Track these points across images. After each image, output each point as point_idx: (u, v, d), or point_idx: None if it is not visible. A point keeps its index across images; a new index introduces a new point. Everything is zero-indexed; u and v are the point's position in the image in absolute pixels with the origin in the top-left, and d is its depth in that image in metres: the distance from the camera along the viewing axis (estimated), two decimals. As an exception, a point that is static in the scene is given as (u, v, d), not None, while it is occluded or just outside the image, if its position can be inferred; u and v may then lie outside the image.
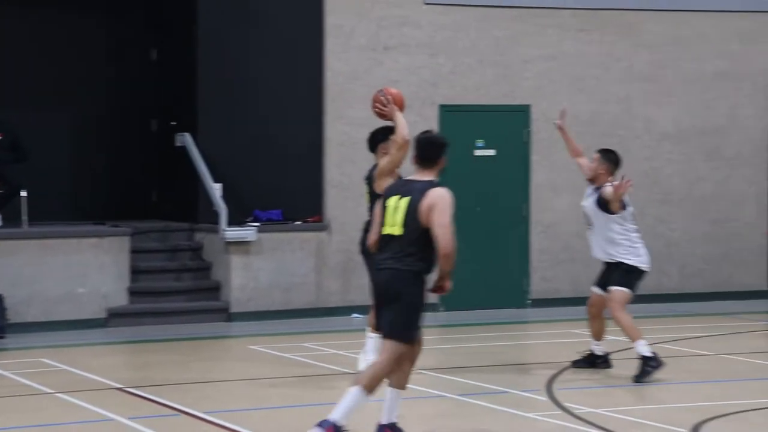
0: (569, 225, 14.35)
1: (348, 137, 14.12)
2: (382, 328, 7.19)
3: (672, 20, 14.97)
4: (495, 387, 9.34)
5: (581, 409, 8.40)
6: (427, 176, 7.23)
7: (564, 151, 14.83)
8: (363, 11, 14.14)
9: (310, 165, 14.08)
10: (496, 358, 10.93)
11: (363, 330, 10.42)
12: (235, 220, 13.60)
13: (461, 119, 14.43)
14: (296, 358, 10.96)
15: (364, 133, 14.20)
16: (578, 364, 9.98)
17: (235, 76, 14.05)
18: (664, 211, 15.03)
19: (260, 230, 13.65)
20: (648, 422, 8.03)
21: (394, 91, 8.22)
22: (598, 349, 10.03)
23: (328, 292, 13.98)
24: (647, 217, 14.95)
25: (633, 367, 9.91)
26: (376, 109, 8.11)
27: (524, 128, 14.70)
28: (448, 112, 14.41)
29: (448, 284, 7.16)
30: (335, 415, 6.99)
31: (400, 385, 7.25)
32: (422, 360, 10.59)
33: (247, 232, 13.55)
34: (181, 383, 9.69)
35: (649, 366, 9.50)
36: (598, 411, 8.39)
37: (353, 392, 7.02)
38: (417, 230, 7.06)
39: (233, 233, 13.48)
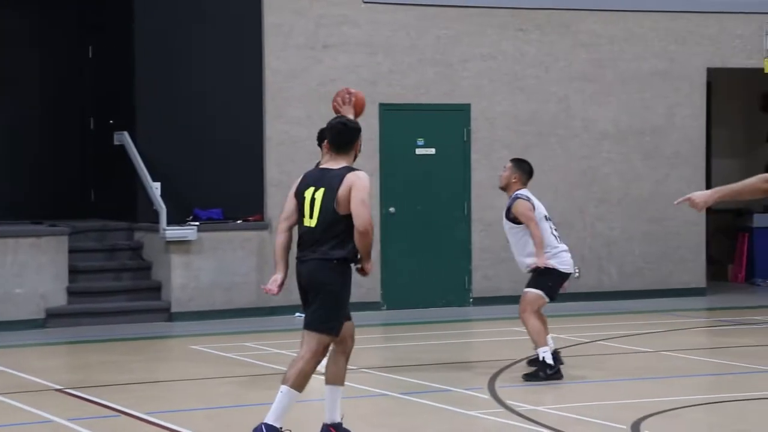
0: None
1: (288, 136, 14.08)
2: (305, 320, 7.00)
3: (610, 20, 15.11)
4: (437, 385, 9.35)
5: (523, 407, 8.44)
6: (342, 163, 6.99)
7: (503, 150, 14.96)
8: (302, 10, 14.10)
9: (251, 163, 14.02)
10: (439, 357, 10.95)
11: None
12: (175, 220, 13.51)
13: (401, 118, 14.45)
14: (238, 357, 10.91)
15: (304, 132, 14.23)
16: (530, 368, 9.77)
17: (173, 75, 13.95)
18: (603, 210, 15.16)
19: (201, 229, 13.57)
20: (589, 419, 8.09)
21: (360, 95, 7.76)
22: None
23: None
24: (586, 216, 15.09)
25: (576, 366, 9.99)
26: (334, 104, 7.72)
27: (464, 127, 14.76)
28: (388, 110, 14.42)
29: (369, 266, 6.93)
30: (269, 418, 6.81)
31: (337, 380, 7.09)
32: (365, 359, 10.64)
33: (188, 232, 13.47)
34: (122, 384, 9.60)
35: (545, 372, 9.39)
36: (540, 408, 8.44)
37: (283, 392, 6.81)
38: (335, 218, 6.84)
39: (173, 232, 13.38)
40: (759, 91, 17.55)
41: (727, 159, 17.22)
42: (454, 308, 14.44)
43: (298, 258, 7.04)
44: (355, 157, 7.12)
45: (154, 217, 13.46)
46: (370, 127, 14.39)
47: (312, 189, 6.99)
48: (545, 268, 9.50)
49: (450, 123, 14.75)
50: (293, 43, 14.08)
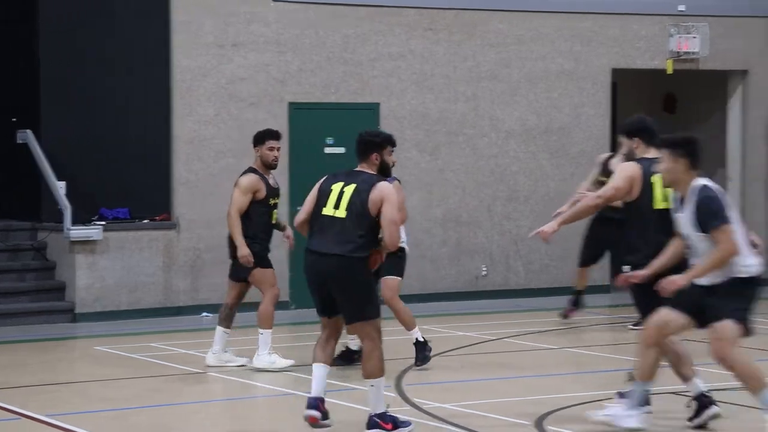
0: (419, 222, 14.49)
1: (197, 134, 13.97)
2: (344, 315, 7.56)
3: (516, 20, 15.25)
4: (344, 384, 9.36)
5: (429, 404, 8.49)
6: (367, 170, 7.63)
7: (413, 149, 15.02)
8: (210, 7, 14.00)
9: (158, 162, 13.88)
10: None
11: (213, 329, 10.33)
12: (80, 219, 13.32)
13: (310, 117, 14.42)
14: (144, 358, 10.79)
15: (213, 131, 14.15)
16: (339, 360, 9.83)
17: (79, 72, 13.75)
18: (511, 208, 15.30)
19: (106, 229, 13.40)
20: (494, 415, 8.16)
21: None
22: (353, 343, 9.98)
23: (176, 291, 13.81)
24: (494, 215, 15.21)
25: (483, 363, 10.07)
26: None
27: (373, 126, 14.77)
28: (297, 109, 14.38)
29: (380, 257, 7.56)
30: (375, 410, 7.45)
31: (329, 360, 7.67)
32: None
33: (93, 231, 13.29)
34: (24, 386, 9.44)
35: (426, 352, 9.83)
36: (446, 406, 8.49)
37: (375, 385, 7.45)
38: (364, 212, 7.39)
39: (78, 232, 13.20)
40: (662, 92, 17.86)
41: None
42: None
43: (315, 251, 7.48)
44: (383, 168, 7.68)
45: (59, 216, 13.26)
46: (279, 126, 14.31)
47: (341, 183, 7.54)
48: (401, 250, 9.70)
49: (359, 122, 14.73)
50: (202, 41, 13.97)
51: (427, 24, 14.89)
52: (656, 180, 7.75)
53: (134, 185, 13.82)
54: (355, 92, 14.60)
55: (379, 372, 7.53)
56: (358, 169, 7.71)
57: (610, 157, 12.26)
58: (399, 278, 9.96)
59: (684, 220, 7.39)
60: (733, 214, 7.35)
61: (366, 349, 7.59)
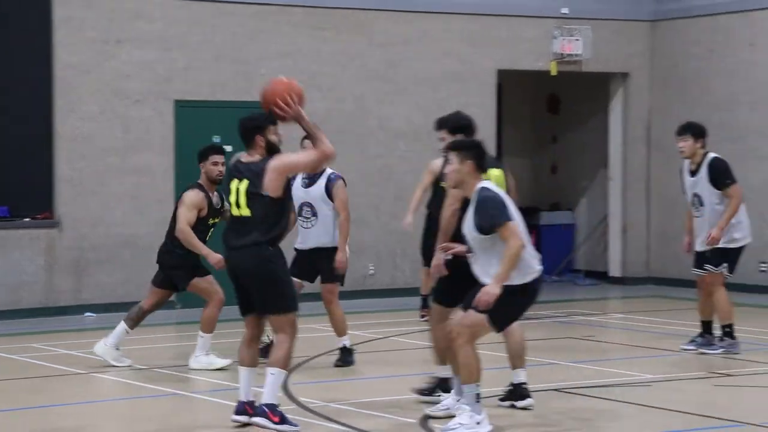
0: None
1: (80, 132, 13.76)
2: (258, 308, 7.68)
3: (402, 20, 15.33)
4: (230, 383, 9.31)
5: (315, 403, 8.49)
6: (255, 156, 7.71)
7: (300, 149, 14.96)
8: (93, 3, 13.79)
9: (39, 160, 13.63)
10: (233, 355, 10.89)
11: (96, 329, 10.20)
12: (-41, 218, 13.03)
13: (197, 115, 14.30)
14: (24, 359, 10.59)
15: (96, 128, 13.93)
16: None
17: (-43, 67, 13.43)
18: (398, 208, 15.35)
19: (-14, 228, 13.12)
20: (380, 414, 8.20)
21: (297, 86, 7.73)
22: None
23: (59, 291, 13.58)
24: (382, 214, 15.28)
25: (369, 362, 10.11)
26: (276, 107, 7.58)
27: (260, 124, 14.69)
28: (183, 107, 14.25)
29: None
30: (266, 399, 7.52)
31: (254, 362, 7.78)
32: (158, 357, 10.50)
33: (-28, 230, 12.99)
34: None
35: (350, 357, 10.00)
36: (332, 405, 8.50)
37: (274, 374, 7.54)
38: (266, 206, 7.53)
39: (-44, 231, 12.89)
40: (546, 93, 18.15)
41: (517, 158, 17.72)
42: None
43: (227, 245, 7.76)
44: (271, 148, 7.72)
45: (-64, 215, 12.94)
46: (164, 123, 14.21)
47: (236, 181, 7.69)
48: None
49: (246, 120, 14.66)
50: (85, 37, 13.75)
51: (315, 23, 14.89)
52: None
53: (15, 183, 13.56)
54: (243, 90, 14.52)
55: (284, 364, 7.63)
56: (245, 158, 7.75)
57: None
58: (338, 283, 9.96)
59: (466, 220, 7.56)
60: (515, 214, 7.49)
61: (277, 340, 7.67)
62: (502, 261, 7.32)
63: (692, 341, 10.77)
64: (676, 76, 16.37)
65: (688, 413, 8.22)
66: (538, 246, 17.56)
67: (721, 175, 10.47)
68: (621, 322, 13.08)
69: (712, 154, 10.61)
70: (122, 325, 9.97)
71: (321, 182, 10.01)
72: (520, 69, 16.18)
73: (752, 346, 11.02)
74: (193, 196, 9.82)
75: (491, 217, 7.35)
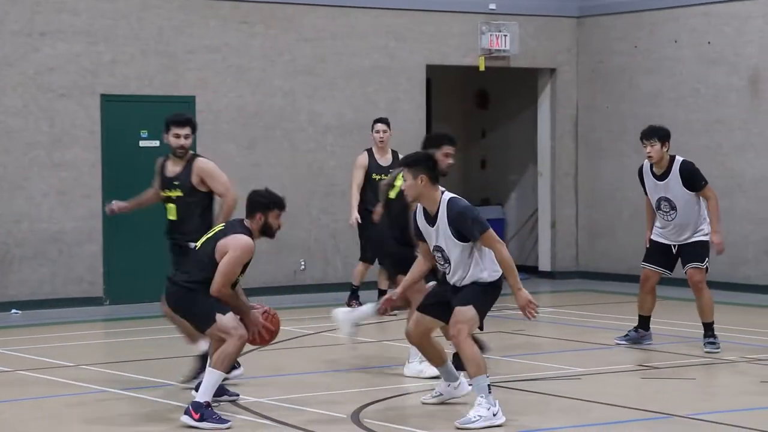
0: (238, 216, 14.37)
1: (3, 126, 13.54)
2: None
3: (331, 15, 15.30)
4: (159, 380, 9.24)
5: (246, 399, 8.45)
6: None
7: (229, 143, 14.90)
8: (17, -5, 13.58)
9: (-37, 155, 13.40)
10: (163, 351, 10.82)
11: (22, 326, 10.05)
12: None
13: (124, 109, 14.14)
14: (-52, 358, 10.39)
15: (21, 122, 13.72)
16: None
17: None
18: (328, 203, 15.35)
19: None
20: (311, 409, 8.18)
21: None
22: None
23: (-17, 289, 13.36)
24: (312, 209, 15.24)
25: (300, 357, 10.06)
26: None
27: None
28: (109, 101, 14.08)
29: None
30: (202, 397, 7.61)
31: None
32: (86, 355, 10.37)
33: None
34: None
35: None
36: (263, 400, 8.47)
37: (210, 372, 7.68)
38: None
39: None
40: (475, 88, 18.23)
41: (446, 153, 17.73)
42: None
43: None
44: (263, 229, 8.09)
45: None
46: (90, 118, 14.03)
47: None
48: None
49: (174, 115, 14.53)
50: (7, 29, 13.53)
51: (243, 17, 14.80)
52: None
53: (-63, 179, 13.31)
54: (170, 85, 14.40)
55: (221, 365, 7.71)
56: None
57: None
58: None
59: (438, 232, 7.73)
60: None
61: (226, 341, 7.77)
62: (505, 271, 7.64)
63: (625, 335, 10.86)
64: (602, 72, 16.53)
65: (618, 405, 8.31)
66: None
67: (694, 179, 10.36)
68: (551, 316, 13.19)
69: (680, 158, 10.46)
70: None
71: None
72: (449, 64, 16.24)
73: (678, 339, 11.18)
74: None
75: (472, 229, 7.61)
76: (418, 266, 8.05)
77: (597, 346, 10.88)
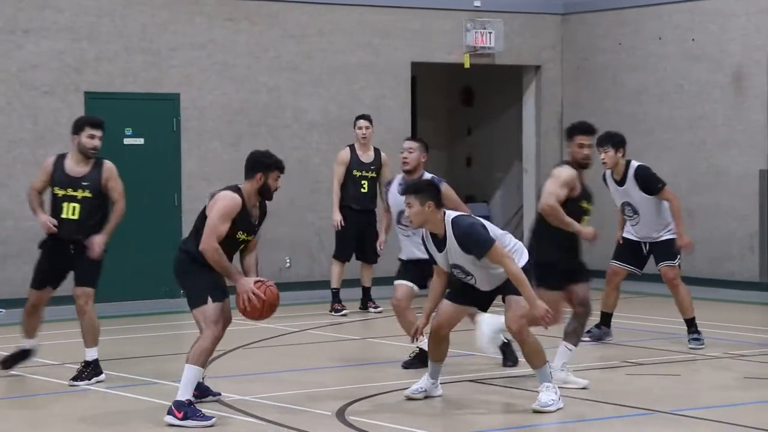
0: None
1: (-15, 124, 13.50)
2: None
3: (316, 12, 15.29)
4: (146, 378, 9.22)
5: (231, 397, 8.44)
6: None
7: (215, 140, 14.88)
8: (1, -8, 13.54)
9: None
10: (147, 349, 10.80)
11: (7, 324, 10.00)
12: None
13: (108, 107, 14.09)
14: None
15: (4, 120, 13.66)
16: None
17: None
18: (314, 200, 15.34)
19: None
20: (295, 407, 8.18)
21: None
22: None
23: (-33, 287, 13.31)
24: (297, 207, 15.22)
25: (286, 355, 10.07)
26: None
27: (174, 117, 14.57)
28: (93, 99, 14.04)
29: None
30: (183, 395, 7.60)
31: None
32: (70, 353, 10.34)
33: None
34: None
35: None
36: (248, 398, 8.47)
37: (187, 368, 7.66)
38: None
39: None
40: (460, 85, 18.24)
41: (432, 151, 17.55)
42: (164, 300, 14.22)
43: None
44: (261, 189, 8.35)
45: None
46: (74, 115, 13.91)
47: None
48: None
49: (159, 112, 14.52)
50: (-10, 27, 13.49)
51: (228, 14, 14.77)
52: None
53: None
54: (155, 82, 14.37)
55: (197, 360, 7.72)
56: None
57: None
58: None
59: (450, 254, 7.89)
60: (489, 225, 7.99)
61: (201, 336, 7.80)
62: (517, 284, 7.81)
63: (588, 332, 10.87)
64: (587, 69, 16.56)
65: (602, 402, 8.33)
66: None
67: (650, 183, 10.40)
68: (535, 312, 13.19)
69: (635, 163, 10.48)
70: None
71: None
72: (434, 61, 16.24)
73: (661, 335, 11.20)
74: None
75: (480, 247, 7.78)
76: (435, 288, 8.23)
77: (581, 343, 10.87)
